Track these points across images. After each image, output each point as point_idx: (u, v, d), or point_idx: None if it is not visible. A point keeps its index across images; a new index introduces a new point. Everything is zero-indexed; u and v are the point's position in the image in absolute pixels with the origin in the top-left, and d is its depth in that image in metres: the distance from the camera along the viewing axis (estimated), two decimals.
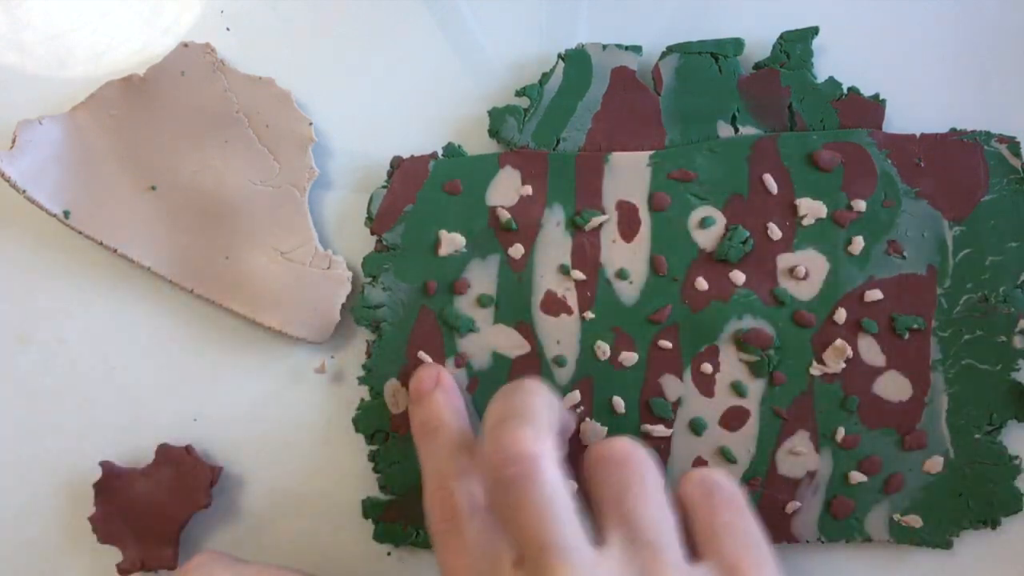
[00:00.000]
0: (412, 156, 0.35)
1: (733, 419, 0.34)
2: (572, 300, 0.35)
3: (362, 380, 0.35)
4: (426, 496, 0.30)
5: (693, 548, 0.27)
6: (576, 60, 0.35)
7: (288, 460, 0.36)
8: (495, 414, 0.28)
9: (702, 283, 0.34)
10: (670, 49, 0.35)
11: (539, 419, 0.27)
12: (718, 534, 0.27)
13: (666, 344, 0.34)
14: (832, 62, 0.36)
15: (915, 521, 0.34)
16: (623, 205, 0.35)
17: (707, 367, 0.34)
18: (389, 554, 0.35)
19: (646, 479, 0.27)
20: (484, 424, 0.28)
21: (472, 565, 0.27)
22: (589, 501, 0.27)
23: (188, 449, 0.35)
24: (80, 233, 0.35)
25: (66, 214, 0.35)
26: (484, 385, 0.35)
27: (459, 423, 0.32)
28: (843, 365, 0.34)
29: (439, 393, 0.32)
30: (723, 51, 0.35)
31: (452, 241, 0.35)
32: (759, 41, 0.35)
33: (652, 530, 0.26)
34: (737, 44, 0.35)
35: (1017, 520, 0.34)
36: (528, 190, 0.35)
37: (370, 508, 0.35)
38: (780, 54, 0.35)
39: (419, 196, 0.35)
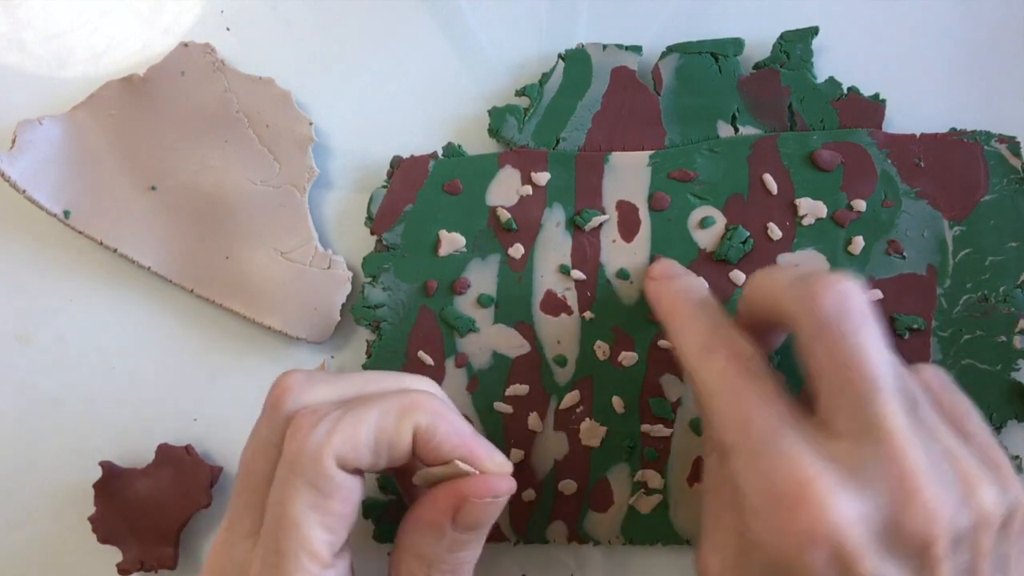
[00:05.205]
0: (412, 156, 0.35)
1: None
2: (572, 300, 0.35)
3: None
4: (701, 354, 0.28)
5: None
6: (576, 60, 0.35)
7: None
8: (788, 272, 0.28)
9: None
10: (670, 49, 0.35)
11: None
12: (965, 422, 0.27)
13: (666, 344, 0.34)
14: (832, 62, 0.36)
15: None
16: (623, 205, 0.35)
17: None
18: (389, 554, 0.35)
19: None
20: (778, 282, 0.28)
21: (771, 409, 0.26)
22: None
23: (188, 449, 0.35)
24: (80, 233, 0.35)
25: (66, 214, 0.35)
26: (484, 385, 0.35)
27: (714, 299, 0.31)
28: None
29: (690, 277, 0.32)
30: (723, 51, 0.35)
31: (452, 241, 0.35)
32: (759, 41, 0.35)
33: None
34: (737, 44, 0.35)
35: None
36: (528, 190, 0.35)
37: (370, 508, 0.35)
38: (780, 54, 0.35)
39: (419, 196, 0.35)
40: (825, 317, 0.25)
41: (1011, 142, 0.34)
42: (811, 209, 0.34)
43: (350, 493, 0.26)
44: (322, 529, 0.25)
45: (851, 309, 0.25)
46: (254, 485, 0.27)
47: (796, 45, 0.35)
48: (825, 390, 0.25)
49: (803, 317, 0.26)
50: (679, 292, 0.31)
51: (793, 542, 0.23)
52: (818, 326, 0.25)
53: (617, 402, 0.34)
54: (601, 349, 0.34)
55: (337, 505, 0.25)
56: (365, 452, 0.26)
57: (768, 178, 0.34)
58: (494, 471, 0.27)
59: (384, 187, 0.35)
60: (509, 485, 0.27)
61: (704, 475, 0.28)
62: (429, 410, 0.26)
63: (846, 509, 0.23)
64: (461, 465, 0.26)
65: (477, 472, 0.26)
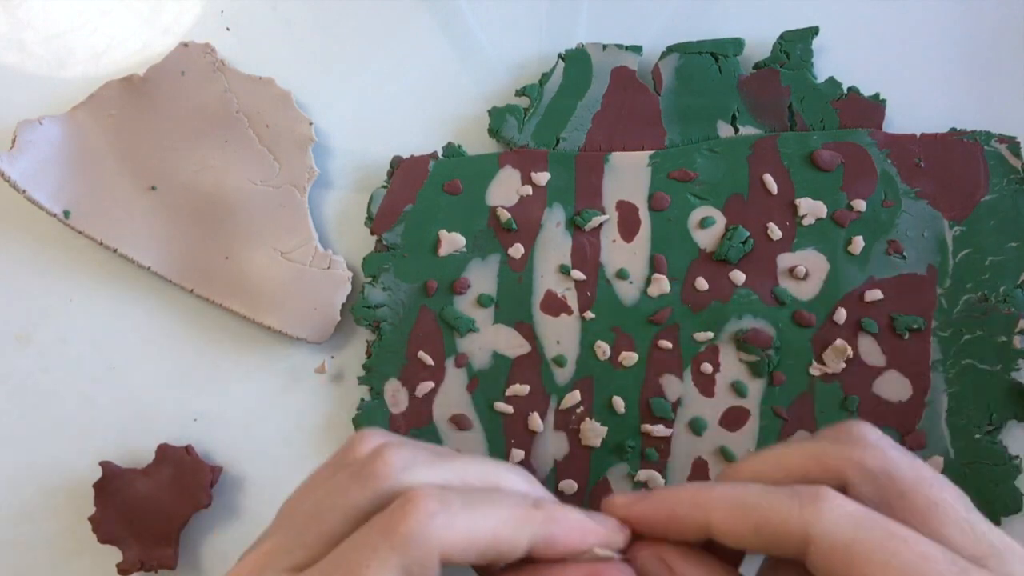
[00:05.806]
0: (412, 156, 0.35)
1: (733, 419, 0.34)
2: (572, 300, 0.35)
3: (362, 380, 0.35)
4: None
5: None
6: (576, 60, 0.35)
7: (288, 460, 0.36)
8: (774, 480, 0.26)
9: (702, 283, 0.34)
10: (670, 49, 0.35)
11: None
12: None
13: (666, 344, 0.34)
14: (832, 62, 0.36)
15: None
16: (623, 205, 0.35)
17: (707, 367, 0.34)
18: None
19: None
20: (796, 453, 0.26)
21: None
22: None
23: (188, 449, 0.35)
24: (80, 233, 0.35)
25: (66, 214, 0.35)
26: (484, 385, 0.35)
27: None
28: (843, 365, 0.34)
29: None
30: (723, 51, 0.35)
31: (452, 241, 0.35)
32: (759, 41, 0.35)
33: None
34: (737, 44, 0.35)
35: (1017, 520, 0.34)
36: (528, 190, 0.35)
37: None
38: (780, 54, 0.35)
39: (419, 196, 0.35)
40: (894, 462, 0.24)
41: (1011, 142, 0.34)
42: (811, 209, 0.34)
43: None
44: None
45: (896, 448, 0.25)
46: (323, 534, 0.26)
47: (796, 45, 0.35)
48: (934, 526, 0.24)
49: (865, 471, 0.24)
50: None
51: None
52: (889, 473, 0.24)
53: (617, 402, 0.34)
54: (601, 349, 0.34)
55: None
56: (473, 554, 0.26)
57: (768, 178, 0.34)
58: (621, 544, 0.27)
59: (384, 187, 0.35)
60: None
61: None
62: (542, 519, 0.26)
63: None
64: (600, 551, 0.26)
65: (616, 557, 0.26)
